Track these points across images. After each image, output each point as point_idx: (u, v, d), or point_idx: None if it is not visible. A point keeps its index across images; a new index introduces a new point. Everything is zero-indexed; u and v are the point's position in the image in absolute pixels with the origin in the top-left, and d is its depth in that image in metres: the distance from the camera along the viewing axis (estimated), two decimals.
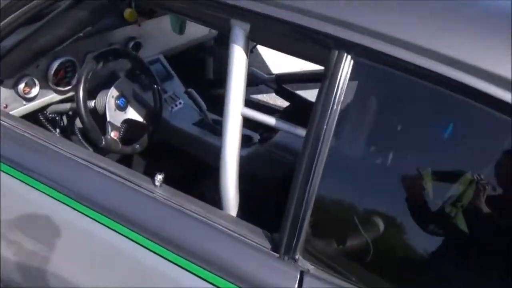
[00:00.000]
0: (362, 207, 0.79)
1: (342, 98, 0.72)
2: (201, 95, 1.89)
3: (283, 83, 2.38)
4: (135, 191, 0.92)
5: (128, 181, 0.93)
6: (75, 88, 1.33)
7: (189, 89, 1.81)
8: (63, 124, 1.71)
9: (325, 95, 0.73)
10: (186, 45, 2.21)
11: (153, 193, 0.92)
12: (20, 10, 1.06)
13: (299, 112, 2.33)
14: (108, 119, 1.44)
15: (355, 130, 0.77)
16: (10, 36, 1.15)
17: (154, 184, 0.93)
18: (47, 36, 1.15)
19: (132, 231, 0.88)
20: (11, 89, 1.39)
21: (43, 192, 0.96)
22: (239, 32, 0.86)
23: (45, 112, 1.61)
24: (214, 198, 1.79)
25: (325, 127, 0.72)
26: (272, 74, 2.45)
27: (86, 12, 1.07)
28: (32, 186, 0.98)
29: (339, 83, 0.72)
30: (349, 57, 0.73)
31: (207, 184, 1.83)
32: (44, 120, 1.62)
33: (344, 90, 0.72)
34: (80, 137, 1.61)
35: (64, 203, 0.94)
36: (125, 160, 1.93)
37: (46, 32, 1.14)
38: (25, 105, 1.46)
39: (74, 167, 0.98)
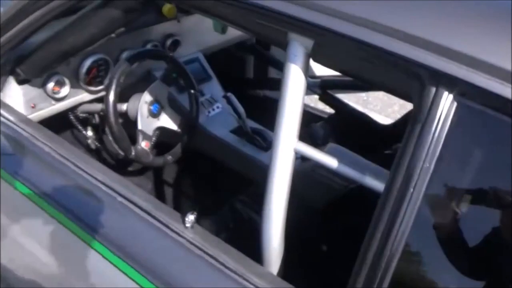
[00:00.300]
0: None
1: (438, 152, 0.54)
2: (240, 97, 1.74)
3: (328, 89, 2.20)
4: (160, 231, 0.77)
5: (153, 216, 0.79)
6: (105, 93, 1.20)
7: (228, 94, 1.66)
8: (95, 123, 1.61)
9: (416, 144, 0.54)
10: (227, 43, 2.06)
11: (181, 235, 0.77)
12: (47, 6, 0.93)
13: (345, 122, 2.14)
14: (139, 127, 1.31)
15: (454, 191, 0.58)
16: (36, 33, 1.03)
17: (184, 224, 0.78)
18: (75, 35, 1.02)
19: (150, 281, 0.74)
20: (40, 88, 1.29)
21: (53, 217, 0.84)
22: (298, 49, 0.69)
23: (75, 111, 1.51)
24: (249, 215, 1.65)
25: (412, 189, 0.54)
26: (316, 77, 2.25)
27: (119, 11, 0.93)
28: (42, 208, 0.86)
29: (435, 131, 0.53)
30: (451, 96, 0.54)
31: (240, 199, 1.68)
32: (74, 120, 1.52)
33: (442, 140, 0.53)
34: (111, 138, 1.50)
35: (76, 234, 0.81)
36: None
37: (74, 32, 1.01)
38: (53, 104, 1.36)
39: (92, 194, 0.84)
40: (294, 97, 0.71)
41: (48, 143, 0.93)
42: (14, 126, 0.98)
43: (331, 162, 0.71)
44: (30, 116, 1.30)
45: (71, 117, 1.51)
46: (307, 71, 0.71)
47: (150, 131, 1.34)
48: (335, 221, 1.40)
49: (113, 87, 1.19)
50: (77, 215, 0.81)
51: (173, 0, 1.00)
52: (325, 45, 0.66)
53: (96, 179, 0.85)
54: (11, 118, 1.02)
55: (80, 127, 1.57)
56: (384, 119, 3.03)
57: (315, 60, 0.71)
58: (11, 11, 0.95)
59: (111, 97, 1.19)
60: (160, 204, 0.83)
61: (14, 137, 0.96)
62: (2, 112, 1.04)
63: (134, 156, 1.26)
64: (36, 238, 0.87)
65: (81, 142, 1.78)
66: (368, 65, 0.62)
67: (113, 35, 1.03)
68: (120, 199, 0.81)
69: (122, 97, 1.34)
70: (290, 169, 0.75)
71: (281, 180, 0.75)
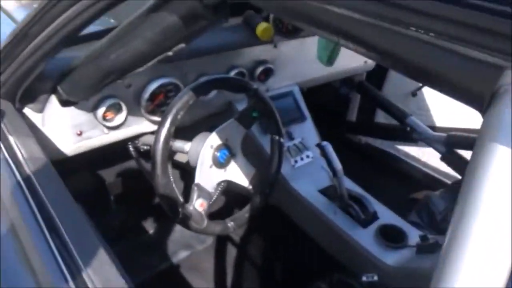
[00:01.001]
0: None
1: None
2: (337, 141, 1.32)
3: (456, 147, 1.68)
4: None
5: None
6: (155, 134, 0.89)
7: (324, 143, 1.25)
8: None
9: None
10: (331, 78, 1.67)
11: None
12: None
13: None
14: (196, 179, 0.96)
15: None
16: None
17: None
18: (118, 51, 0.72)
19: None
20: (89, 112, 1.03)
21: None
22: None
23: (136, 142, 1.24)
24: None
25: None
26: (437, 128, 1.74)
27: (176, 18, 0.60)
28: None
29: None
30: None
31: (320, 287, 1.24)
32: (134, 152, 1.26)
33: None
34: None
35: None
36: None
37: (117, 46, 0.71)
38: (106, 133, 1.10)
39: None
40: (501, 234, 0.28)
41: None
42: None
43: None
44: (77, 145, 1.05)
45: (131, 148, 1.25)
46: None
47: (210, 187, 0.98)
48: None
49: (166, 125, 0.87)
50: None
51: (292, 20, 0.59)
52: None
53: None
54: (19, 155, 0.72)
55: (142, 161, 1.29)
56: None
57: None
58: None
59: (161, 140, 0.86)
60: None
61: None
62: (12, 140, 0.76)
63: (180, 220, 0.91)
64: None
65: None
66: None
67: (170, 53, 0.71)
68: None
69: (189, 133, 1.03)
70: None
71: None
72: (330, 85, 1.80)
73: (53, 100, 0.95)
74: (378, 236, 1.14)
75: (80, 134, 1.04)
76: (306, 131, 1.43)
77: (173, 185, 0.89)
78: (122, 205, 1.48)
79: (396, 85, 1.89)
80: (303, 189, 1.29)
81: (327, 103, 1.98)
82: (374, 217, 1.22)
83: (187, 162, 1.07)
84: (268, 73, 1.39)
